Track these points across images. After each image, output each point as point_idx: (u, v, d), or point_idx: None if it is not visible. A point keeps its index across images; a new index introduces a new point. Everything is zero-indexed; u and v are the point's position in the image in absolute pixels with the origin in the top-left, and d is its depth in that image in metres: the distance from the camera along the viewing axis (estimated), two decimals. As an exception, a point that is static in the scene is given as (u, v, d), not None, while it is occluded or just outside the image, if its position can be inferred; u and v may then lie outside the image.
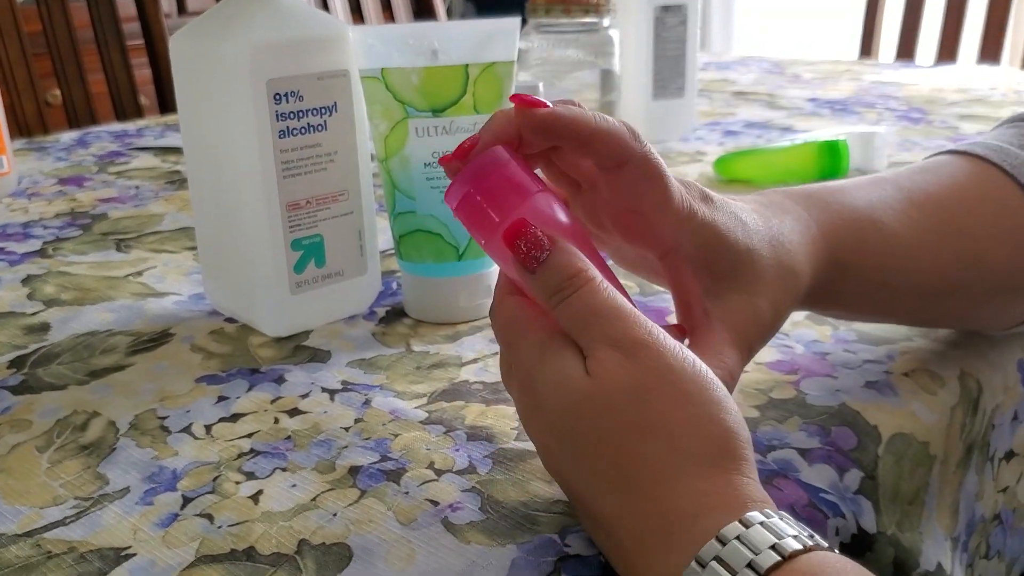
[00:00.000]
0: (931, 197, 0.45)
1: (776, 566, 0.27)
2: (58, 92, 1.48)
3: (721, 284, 0.38)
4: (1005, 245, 0.45)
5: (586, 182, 0.40)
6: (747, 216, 0.39)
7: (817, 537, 0.29)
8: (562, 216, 0.36)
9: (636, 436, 0.31)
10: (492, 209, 0.35)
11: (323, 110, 0.51)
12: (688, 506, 0.30)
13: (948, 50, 1.57)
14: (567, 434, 0.33)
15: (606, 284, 0.34)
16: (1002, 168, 0.46)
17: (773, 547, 0.28)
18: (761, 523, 0.28)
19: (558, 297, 0.34)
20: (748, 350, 0.38)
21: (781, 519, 0.29)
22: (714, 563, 0.28)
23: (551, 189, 0.37)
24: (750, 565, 0.27)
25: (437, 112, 0.51)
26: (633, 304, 0.34)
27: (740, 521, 0.29)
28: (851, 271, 0.42)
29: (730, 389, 0.36)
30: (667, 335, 0.33)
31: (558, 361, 0.33)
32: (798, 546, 0.28)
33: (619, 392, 0.32)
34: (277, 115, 0.49)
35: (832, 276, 0.41)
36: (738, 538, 0.28)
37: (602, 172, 0.38)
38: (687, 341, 0.38)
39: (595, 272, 0.34)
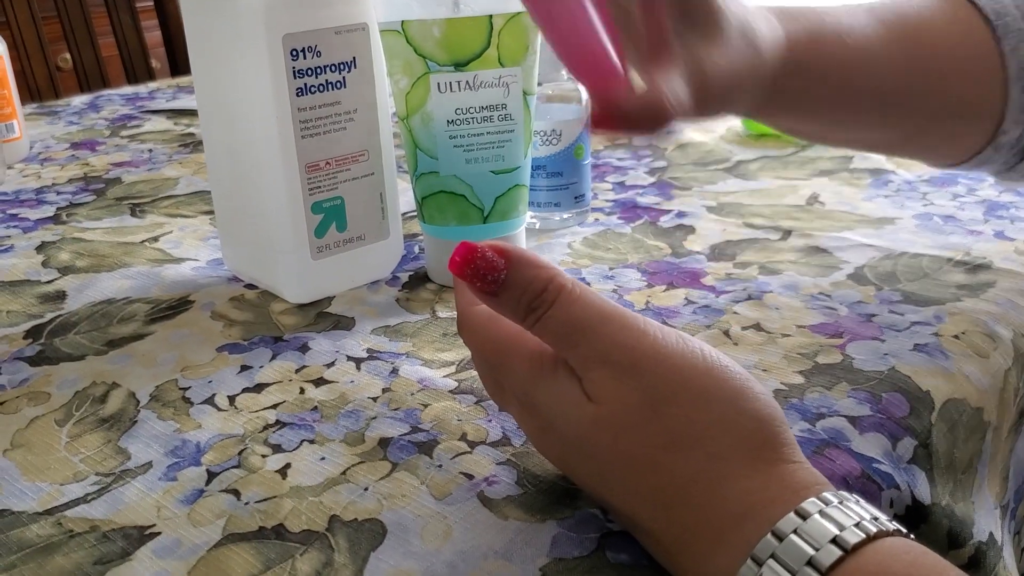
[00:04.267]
0: (900, 16, 0.46)
1: (839, 561, 0.25)
2: (68, 56, 1.46)
3: (689, 29, 0.38)
4: (963, 69, 0.46)
5: None
6: None
7: (882, 518, 0.27)
8: None
9: (662, 451, 0.29)
10: None
11: (342, 66, 0.48)
12: (737, 508, 0.28)
13: None
14: (586, 457, 0.31)
15: (580, 288, 0.31)
16: (973, 2, 0.47)
17: (834, 540, 0.25)
18: (820, 512, 0.26)
19: (532, 317, 0.31)
20: (697, 92, 0.38)
21: (841, 503, 0.27)
22: (771, 562, 0.26)
23: None
24: (810, 563, 0.25)
25: (460, 66, 0.48)
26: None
27: (796, 512, 0.26)
28: (813, 72, 0.44)
29: (674, 117, 0.36)
30: (663, 328, 0.31)
31: (554, 384, 0.31)
32: (861, 536, 0.26)
33: (629, 411, 0.29)
34: (294, 72, 0.47)
35: (794, 73, 0.43)
36: (795, 531, 0.26)
37: None
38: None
39: (564, 277, 0.31)
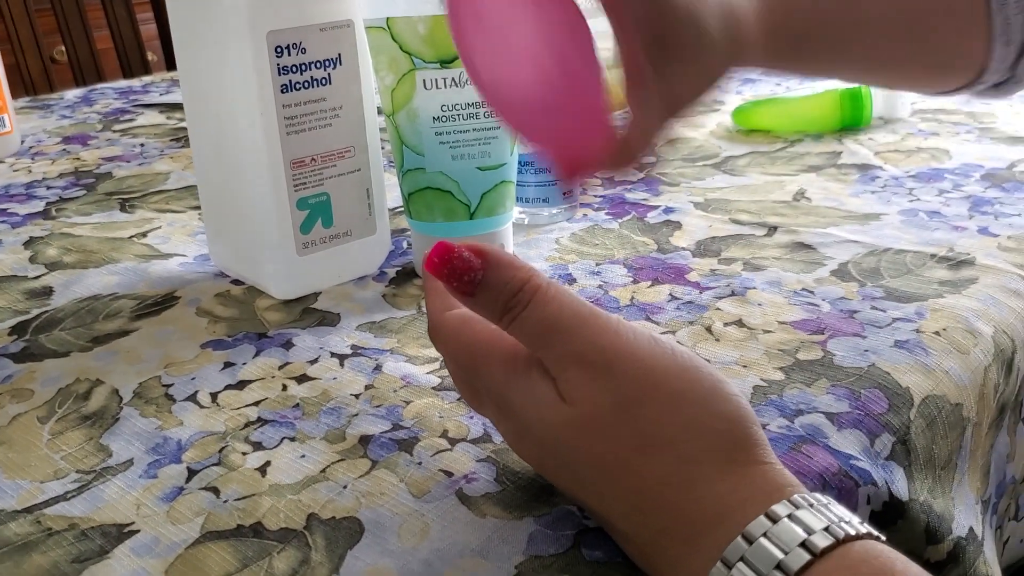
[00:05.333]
0: None
1: (808, 565, 0.25)
2: (63, 49, 1.46)
3: (664, 52, 0.36)
4: (951, 25, 0.45)
5: None
6: None
7: (854, 521, 0.27)
8: None
9: (635, 453, 0.29)
10: None
11: (327, 63, 0.48)
12: (709, 511, 0.28)
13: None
14: (561, 459, 0.31)
15: (555, 288, 0.31)
16: None
17: (803, 543, 0.26)
18: (789, 516, 0.26)
19: (508, 317, 0.31)
20: (674, 119, 0.38)
21: (811, 507, 0.27)
22: (741, 565, 0.26)
23: None
24: (779, 566, 0.25)
25: (445, 63, 0.48)
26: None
27: (766, 515, 0.27)
28: (805, 43, 0.43)
29: (643, 147, 0.36)
30: (636, 330, 0.31)
31: (528, 385, 0.31)
32: (830, 539, 0.26)
33: (602, 413, 0.29)
34: (279, 69, 0.47)
35: (785, 45, 0.42)
36: (765, 535, 0.26)
37: None
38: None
39: (540, 278, 0.32)
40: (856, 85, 0.78)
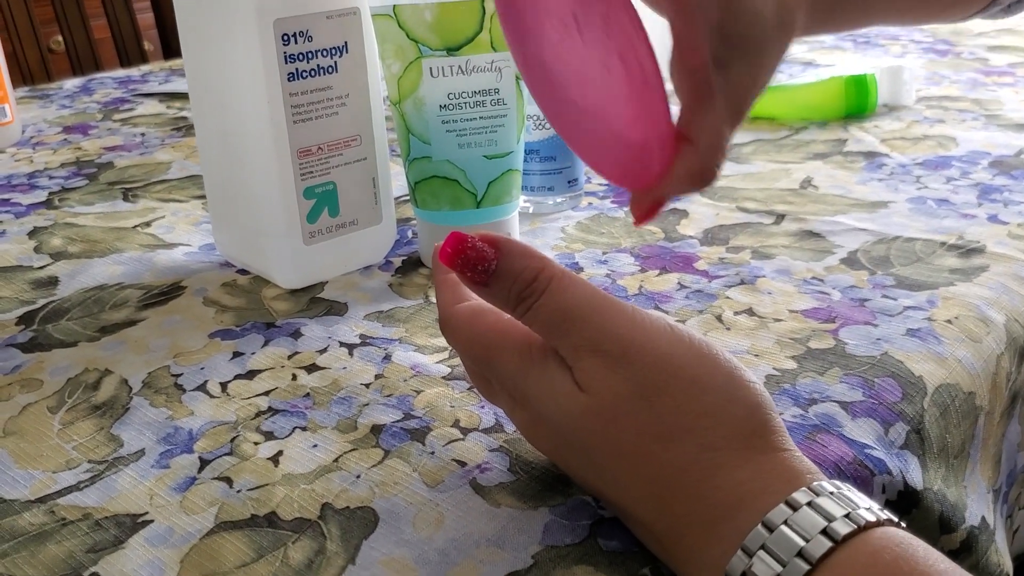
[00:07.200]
0: None
1: (830, 552, 0.25)
2: (60, 38, 1.45)
3: (729, 50, 0.34)
4: None
5: None
6: None
7: (874, 507, 0.27)
8: None
9: (654, 441, 0.29)
10: None
11: (333, 51, 0.48)
12: (729, 498, 0.28)
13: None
14: (578, 448, 0.31)
15: (570, 277, 0.31)
16: None
17: (824, 531, 0.25)
18: (809, 503, 0.26)
19: (523, 307, 0.31)
20: (740, 121, 0.35)
21: (831, 494, 0.27)
22: (762, 553, 0.26)
23: None
24: (801, 554, 0.25)
25: (452, 51, 0.48)
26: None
27: (787, 503, 0.26)
28: (840, 5, 0.40)
29: (720, 157, 0.33)
30: (652, 317, 0.30)
31: (544, 375, 0.31)
32: (851, 526, 0.26)
33: (620, 401, 0.29)
34: (285, 57, 0.46)
35: (823, 15, 0.40)
36: (786, 522, 0.26)
37: None
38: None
39: (555, 267, 0.31)
40: (861, 71, 0.77)
